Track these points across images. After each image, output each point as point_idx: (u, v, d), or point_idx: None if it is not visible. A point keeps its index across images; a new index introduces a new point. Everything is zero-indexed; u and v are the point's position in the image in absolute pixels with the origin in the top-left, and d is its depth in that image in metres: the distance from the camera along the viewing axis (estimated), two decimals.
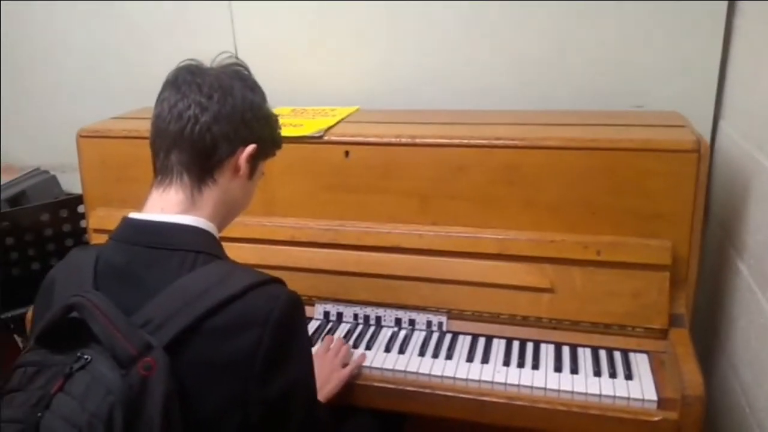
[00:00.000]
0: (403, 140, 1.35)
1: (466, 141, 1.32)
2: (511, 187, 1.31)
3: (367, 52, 1.73)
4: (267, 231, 1.44)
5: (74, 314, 0.77)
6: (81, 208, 1.63)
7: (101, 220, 1.54)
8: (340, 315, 1.40)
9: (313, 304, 1.42)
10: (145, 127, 1.57)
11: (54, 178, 2.01)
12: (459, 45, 1.66)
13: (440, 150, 1.33)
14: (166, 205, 0.89)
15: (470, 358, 1.25)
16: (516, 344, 1.29)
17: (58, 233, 1.65)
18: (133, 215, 0.89)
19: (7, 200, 1.83)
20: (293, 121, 1.52)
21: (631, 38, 1.55)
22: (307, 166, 1.42)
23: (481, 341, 1.30)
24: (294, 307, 0.85)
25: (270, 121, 0.98)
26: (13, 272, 1.60)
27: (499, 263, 1.31)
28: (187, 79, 0.90)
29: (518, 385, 1.17)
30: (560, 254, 1.28)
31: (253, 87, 0.95)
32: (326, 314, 1.41)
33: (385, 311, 1.38)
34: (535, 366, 1.21)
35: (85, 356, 0.75)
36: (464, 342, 1.31)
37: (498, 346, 1.29)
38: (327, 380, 1.17)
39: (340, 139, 1.39)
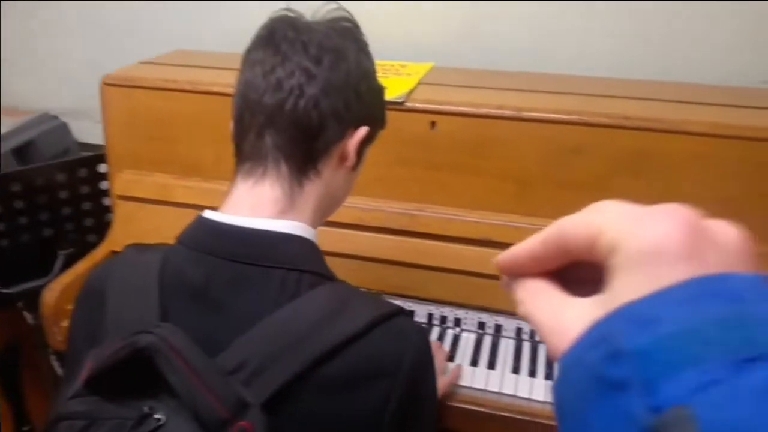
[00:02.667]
0: (507, 113, 1.11)
1: (585, 118, 1.08)
2: (636, 179, 1.09)
3: None
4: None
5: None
6: (102, 167, 1.39)
7: (128, 186, 1.31)
8: (411, 313, 1.19)
9: None
10: (185, 77, 1.35)
11: (65, 126, 1.76)
12: None
13: (551, 127, 1.10)
14: (258, 204, 0.67)
15: None
16: None
17: (74, 195, 1.41)
18: (212, 215, 0.66)
19: (14, 151, 1.58)
20: None
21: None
22: (384, 136, 1.17)
23: None
24: (426, 348, 0.65)
25: (382, 96, 0.77)
26: (23, 239, 1.37)
27: None
28: (288, 37, 0.67)
29: None
30: None
31: (367, 50, 0.74)
32: None
33: (466, 313, 1.17)
34: None
35: (156, 415, 0.53)
36: None
37: None
38: None
39: (426, 107, 1.15)
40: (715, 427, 0.18)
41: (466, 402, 1.02)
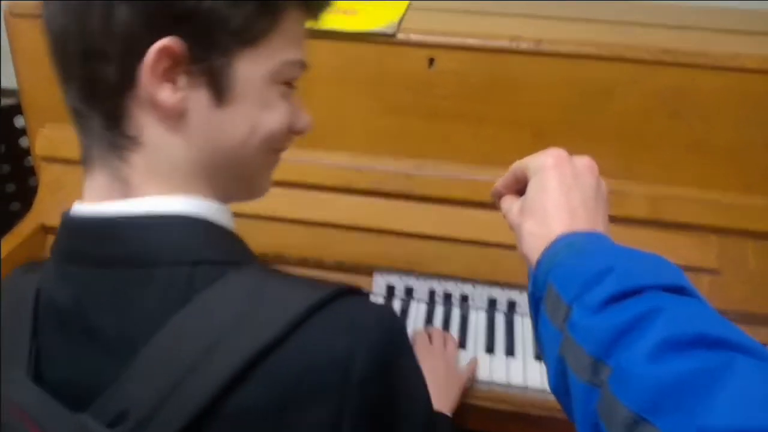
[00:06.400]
0: (523, 46, 0.90)
1: (618, 52, 0.89)
2: (674, 122, 0.91)
3: None
4: (308, 172, 0.99)
5: None
6: (20, 122, 1.13)
7: (51, 145, 1.05)
8: (409, 291, 1.01)
9: (371, 274, 1.02)
10: None
11: None
12: None
13: (577, 63, 0.90)
14: (99, 197, 0.46)
15: None
16: None
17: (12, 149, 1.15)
18: (78, 208, 0.46)
19: None
20: (341, 3, 1.03)
21: None
22: (371, 78, 0.96)
23: None
24: (392, 334, 0.44)
25: None
26: None
27: (649, 230, 0.93)
28: None
29: None
30: (734, 223, 0.92)
31: None
32: (390, 289, 1.01)
33: (474, 288, 1.00)
34: None
35: None
36: None
37: None
38: (447, 383, 0.82)
39: (421, 39, 0.93)
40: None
41: (484, 399, 0.85)
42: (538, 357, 0.90)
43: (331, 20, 0.95)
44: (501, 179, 0.56)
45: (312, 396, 0.39)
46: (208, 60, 0.43)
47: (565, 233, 0.46)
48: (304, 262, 1.02)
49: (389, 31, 0.93)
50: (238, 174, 0.49)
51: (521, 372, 0.88)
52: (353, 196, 0.99)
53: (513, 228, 0.52)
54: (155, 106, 0.43)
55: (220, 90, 0.44)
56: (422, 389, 0.47)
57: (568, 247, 0.45)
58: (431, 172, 0.97)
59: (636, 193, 0.93)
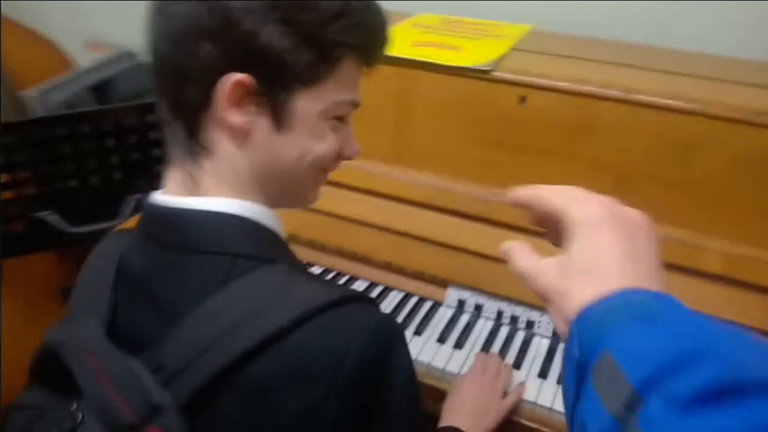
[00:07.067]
0: (612, 92, 0.94)
1: (708, 108, 0.90)
2: (760, 185, 0.90)
3: None
4: (397, 186, 1.10)
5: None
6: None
7: None
8: (479, 308, 1.08)
9: (445, 287, 1.10)
10: None
11: (143, 66, 1.72)
12: None
13: (665, 114, 0.92)
14: (177, 188, 0.58)
15: None
16: None
17: (144, 140, 1.37)
18: (155, 196, 0.58)
19: (91, 89, 1.56)
20: (447, 39, 1.12)
21: None
22: (463, 108, 1.04)
23: None
24: (389, 345, 0.52)
25: (292, 15, 0.52)
26: (92, 181, 1.36)
27: (723, 288, 0.93)
28: None
29: None
30: None
31: None
32: (461, 303, 1.09)
33: (541, 316, 1.05)
34: None
35: (78, 413, 0.51)
36: None
37: None
38: (486, 411, 0.88)
39: (515, 78, 1.00)
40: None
41: (528, 419, 0.91)
42: None
43: (437, 54, 1.05)
44: (514, 200, 0.48)
45: (306, 379, 0.49)
46: (272, 94, 0.54)
47: (625, 288, 0.36)
48: (387, 266, 1.13)
49: (486, 67, 1.00)
50: (289, 187, 0.60)
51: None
52: (435, 212, 1.08)
53: (545, 296, 0.41)
54: (225, 126, 0.54)
55: (279, 119, 0.55)
56: (411, 389, 0.54)
57: (628, 307, 0.35)
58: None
59: (712, 248, 0.93)
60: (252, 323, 0.49)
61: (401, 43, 1.11)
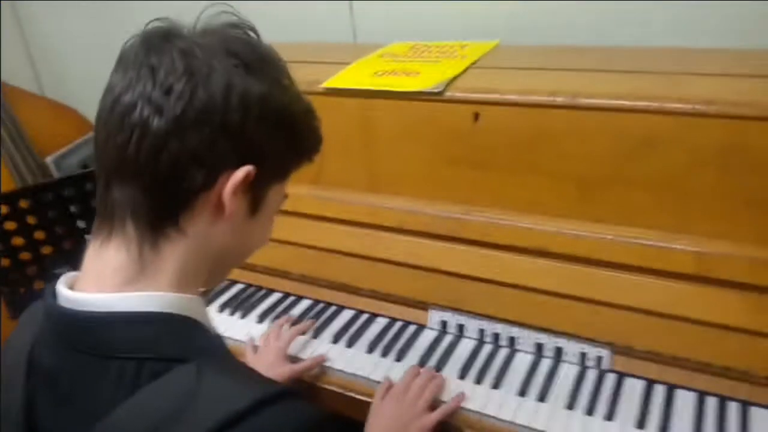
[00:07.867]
0: (559, 100, 0.93)
1: (658, 105, 0.87)
2: (724, 177, 0.87)
3: None
4: (369, 212, 1.12)
5: None
6: None
7: None
8: (461, 327, 1.07)
9: (426, 310, 1.10)
10: None
11: None
12: None
13: (617, 116, 0.90)
14: (102, 274, 0.55)
15: (641, 423, 0.87)
16: (712, 403, 0.89)
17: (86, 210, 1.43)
18: (61, 289, 0.56)
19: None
20: (408, 66, 1.14)
21: None
22: (423, 131, 1.05)
23: (659, 392, 0.92)
24: None
25: (294, 122, 0.59)
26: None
27: (696, 287, 0.89)
28: (137, 57, 0.54)
29: None
30: None
31: (257, 65, 0.56)
32: (443, 324, 1.09)
33: (521, 331, 1.03)
34: None
35: None
36: (633, 391, 0.93)
37: (683, 403, 0.90)
38: (404, 430, 0.89)
39: (466, 96, 1.00)
40: None
41: None
42: (569, 407, 0.91)
43: (395, 82, 1.07)
44: None
45: None
46: (260, 185, 0.57)
47: None
48: (373, 294, 1.14)
49: (436, 89, 1.01)
50: (231, 268, 0.65)
51: (545, 418, 0.89)
52: (407, 236, 1.08)
53: None
54: (219, 207, 0.55)
55: (256, 206, 0.59)
56: None
57: None
58: (478, 217, 1.03)
59: (681, 247, 0.90)
60: None
61: (362, 74, 1.14)
